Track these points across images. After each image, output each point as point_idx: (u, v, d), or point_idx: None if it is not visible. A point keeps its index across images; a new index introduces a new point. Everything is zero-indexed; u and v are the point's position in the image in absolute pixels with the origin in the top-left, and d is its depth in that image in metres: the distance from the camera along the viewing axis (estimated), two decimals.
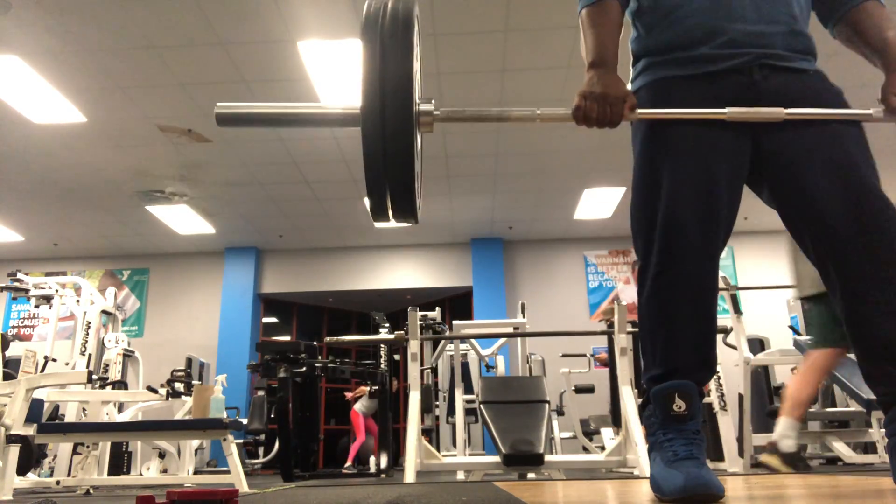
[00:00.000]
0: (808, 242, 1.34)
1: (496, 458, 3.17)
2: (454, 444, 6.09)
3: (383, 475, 5.26)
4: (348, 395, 8.39)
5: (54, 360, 5.14)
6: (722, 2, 1.37)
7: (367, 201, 1.28)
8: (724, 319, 5.04)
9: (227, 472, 3.32)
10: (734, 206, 1.37)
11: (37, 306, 5.47)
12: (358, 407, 8.05)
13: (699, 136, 1.35)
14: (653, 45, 1.45)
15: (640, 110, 1.34)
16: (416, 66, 1.27)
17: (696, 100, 1.36)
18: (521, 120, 1.38)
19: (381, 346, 5.75)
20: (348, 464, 7.67)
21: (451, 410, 6.25)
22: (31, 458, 3.87)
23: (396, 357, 6.26)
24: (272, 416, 7.08)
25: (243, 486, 3.17)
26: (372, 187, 1.25)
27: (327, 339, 4.38)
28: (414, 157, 1.24)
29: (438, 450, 5.35)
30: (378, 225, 8.52)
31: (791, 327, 5.42)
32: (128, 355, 5.33)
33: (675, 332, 1.34)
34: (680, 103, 1.36)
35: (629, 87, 1.44)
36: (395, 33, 1.24)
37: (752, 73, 1.36)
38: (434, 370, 6.53)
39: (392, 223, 1.38)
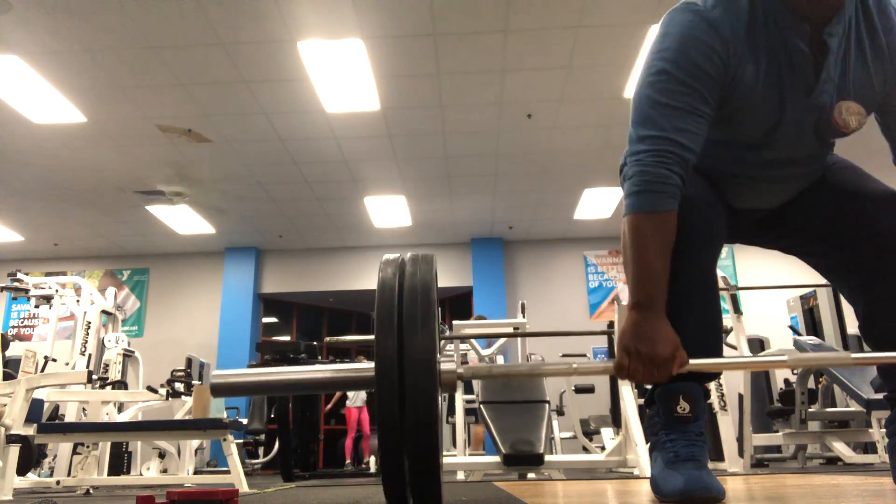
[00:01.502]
0: (824, 258, 1.39)
1: (496, 458, 3.16)
2: (454, 444, 6.09)
3: None
4: (328, 407, 8.41)
5: (54, 360, 5.14)
6: (765, 194, 1.39)
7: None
8: (724, 319, 5.05)
9: (227, 472, 3.32)
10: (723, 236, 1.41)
11: (37, 306, 5.47)
12: (351, 402, 8.03)
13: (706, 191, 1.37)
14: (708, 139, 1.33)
15: (691, 361, 1.17)
16: (437, 329, 1.08)
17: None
18: (557, 374, 1.19)
19: None
20: (348, 461, 7.66)
21: (451, 410, 6.25)
22: (31, 458, 3.87)
23: None
24: (272, 416, 7.08)
25: (243, 486, 3.17)
26: (388, 466, 1.03)
27: (327, 339, 4.38)
28: (437, 429, 1.01)
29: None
30: (378, 225, 8.53)
31: (791, 327, 5.42)
32: (128, 355, 5.33)
33: (679, 333, 1.33)
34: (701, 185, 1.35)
35: None
36: (413, 310, 1.05)
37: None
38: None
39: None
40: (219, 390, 1.13)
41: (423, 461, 1.01)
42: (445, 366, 1.10)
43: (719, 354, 1.38)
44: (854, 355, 1.17)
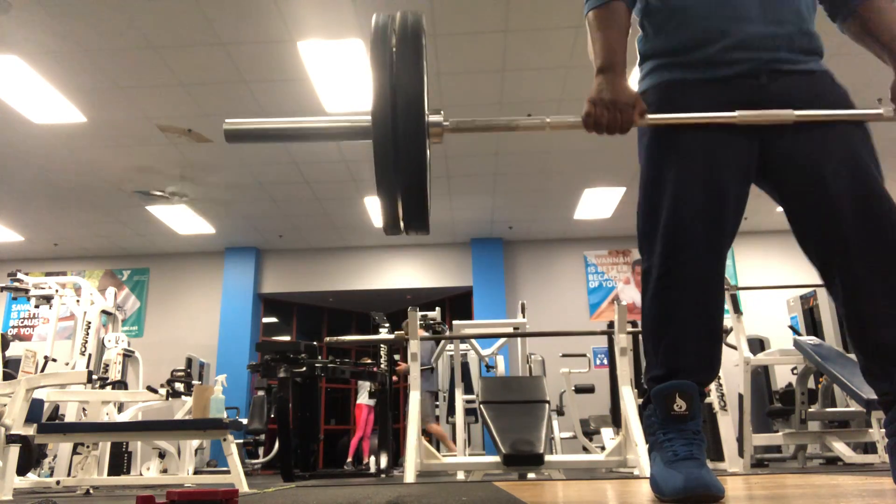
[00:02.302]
0: (811, 244, 1.34)
1: (496, 458, 3.16)
2: (454, 444, 6.09)
3: (383, 475, 5.26)
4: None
5: (54, 360, 5.14)
6: (730, 2, 1.37)
7: (375, 216, 1.27)
8: (724, 319, 5.05)
9: (227, 472, 3.32)
10: (741, 207, 1.37)
11: (37, 306, 5.47)
12: (363, 399, 7.90)
13: (706, 139, 1.35)
14: (660, 46, 1.45)
15: (649, 115, 1.33)
16: (426, 78, 1.27)
17: (704, 103, 1.35)
18: (531, 129, 1.38)
19: (381, 346, 5.75)
20: (349, 459, 7.61)
21: (451, 410, 6.25)
22: (31, 458, 3.86)
23: (396, 357, 6.25)
24: (272, 416, 7.08)
25: (243, 486, 3.17)
26: (384, 198, 1.24)
27: (327, 339, 4.39)
28: (426, 168, 1.23)
29: (438, 450, 5.35)
30: (378, 225, 8.53)
31: (791, 327, 5.42)
32: (128, 355, 5.33)
33: (677, 332, 1.33)
34: (687, 107, 1.35)
35: (636, 88, 1.44)
36: (404, 45, 1.25)
37: (760, 76, 1.36)
38: (434, 370, 6.54)
39: (404, 235, 1.36)
40: (232, 136, 1.33)
41: (413, 195, 1.24)
42: (433, 118, 1.28)
43: (717, 360, 1.37)
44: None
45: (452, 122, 1.31)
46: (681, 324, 1.33)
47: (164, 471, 5.04)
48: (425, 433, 6.72)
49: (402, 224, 1.30)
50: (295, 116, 5.49)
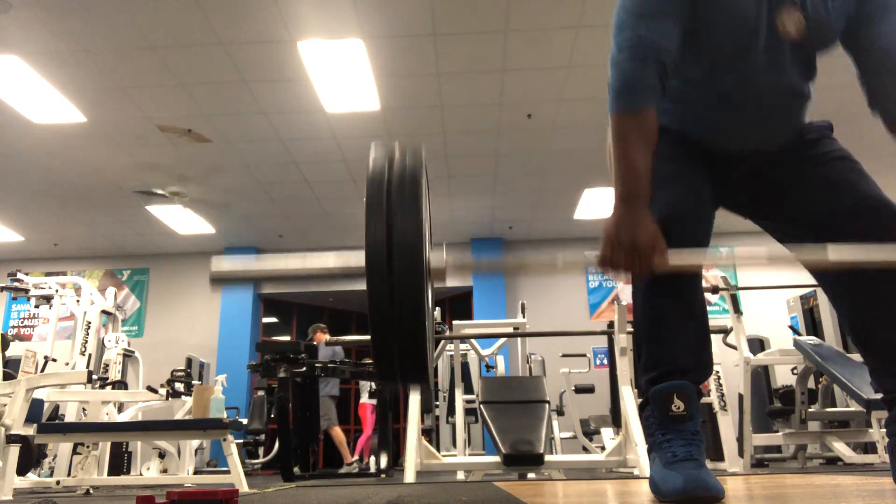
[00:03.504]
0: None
1: (496, 458, 3.16)
2: (454, 444, 6.09)
3: (383, 475, 5.25)
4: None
5: (54, 360, 5.14)
6: (733, 114, 1.38)
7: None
8: (724, 319, 5.06)
9: (227, 472, 3.32)
10: (712, 217, 1.45)
11: (37, 306, 5.46)
12: (366, 398, 7.91)
13: (685, 169, 1.41)
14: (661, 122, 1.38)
15: (670, 255, 1.22)
16: (427, 223, 1.16)
17: (695, 161, 1.41)
18: (541, 270, 1.30)
19: None
20: (355, 457, 7.56)
21: (451, 410, 6.25)
22: (31, 458, 3.87)
23: None
24: (272, 416, 7.08)
25: (243, 486, 3.17)
26: (379, 349, 1.11)
27: (327, 339, 4.39)
28: (426, 318, 1.10)
29: (438, 450, 5.35)
30: None
31: (791, 327, 5.42)
32: (128, 355, 5.32)
33: (670, 332, 1.34)
34: (679, 158, 1.40)
35: None
36: (402, 192, 1.12)
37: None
38: (434, 370, 6.53)
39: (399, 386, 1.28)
40: (217, 279, 1.19)
41: (411, 346, 1.09)
42: (435, 262, 1.16)
43: (710, 358, 1.39)
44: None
45: (455, 262, 1.20)
46: (673, 324, 1.34)
47: (164, 471, 5.03)
48: (326, 435, 6.92)
49: (398, 375, 1.17)
50: (295, 116, 5.46)
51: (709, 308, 1.45)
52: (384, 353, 1.12)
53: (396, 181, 1.13)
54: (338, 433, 7.01)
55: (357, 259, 1.13)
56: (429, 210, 1.22)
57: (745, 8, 1.27)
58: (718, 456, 4.36)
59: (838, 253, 1.18)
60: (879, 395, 1.31)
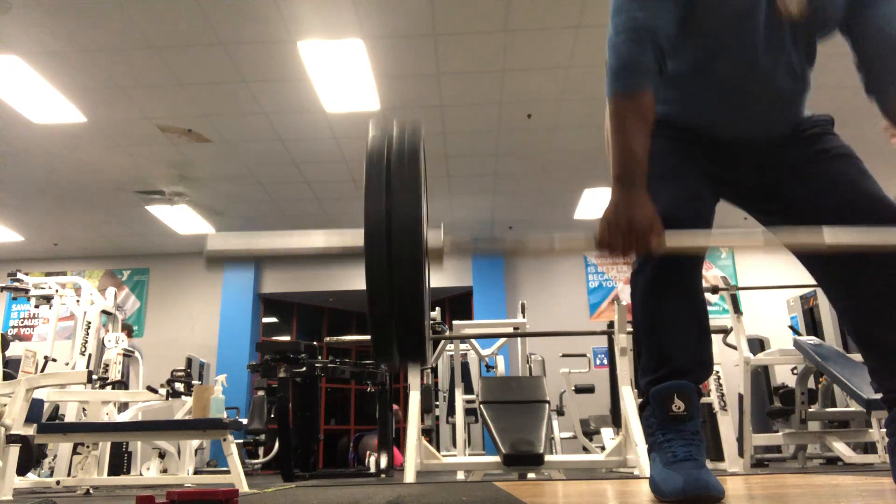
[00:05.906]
0: (812, 259, 1.37)
1: (496, 458, 3.16)
2: (454, 444, 6.09)
3: (383, 475, 5.26)
4: None
5: (54, 360, 5.14)
6: (735, 100, 1.38)
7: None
8: (724, 319, 5.06)
9: (227, 472, 3.32)
10: (711, 216, 1.44)
11: (37, 306, 5.46)
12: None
13: (684, 168, 1.41)
14: (660, 111, 1.38)
15: (668, 234, 1.21)
16: (424, 203, 1.17)
17: (694, 157, 1.41)
18: (538, 251, 1.27)
19: None
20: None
21: (451, 410, 6.25)
22: (31, 458, 3.86)
23: None
24: (272, 416, 7.07)
25: (243, 486, 3.17)
26: (377, 328, 1.11)
27: (327, 339, 4.39)
28: (425, 297, 1.11)
29: (438, 450, 5.34)
30: None
31: (791, 327, 5.42)
32: (128, 355, 5.32)
33: (670, 332, 1.34)
34: (677, 155, 1.40)
35: None
36: (401, 170, 1.12)
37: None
38: (434, 370, 6.53)
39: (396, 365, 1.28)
40: (213, 258, 1.19)
41: (408, 325, 1.09)
42: (433, 241, 1.15)
43: (711, 358, 1.39)
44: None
45: (453, 243, 1.19)
46: (672, 324, 1.34)
47: (164, 471, 5.03)
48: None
49: (396, 355, 1.17)
50: (295, 116, 5.47)
51: (709, 308, 1.45)
52: (382, 330, 1.11)
53: (395, 158, 1.13)
54: None
55: (356, 237, 1.12)
56: (426, 188, 1.22)
57: None
58: (718, 456, 4.36)
59: (834, 236, 1.18)
60: (879, 395, 1.31)
